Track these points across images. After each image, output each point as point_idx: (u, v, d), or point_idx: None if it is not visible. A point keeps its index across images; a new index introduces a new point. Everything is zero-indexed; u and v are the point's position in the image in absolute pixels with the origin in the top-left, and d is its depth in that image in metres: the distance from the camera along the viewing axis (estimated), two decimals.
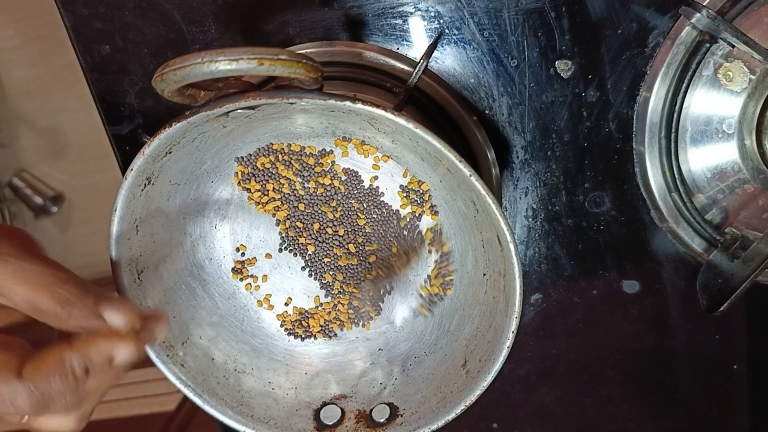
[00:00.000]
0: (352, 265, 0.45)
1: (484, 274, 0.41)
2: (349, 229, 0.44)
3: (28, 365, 0.32)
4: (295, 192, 0.44)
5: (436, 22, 0.45)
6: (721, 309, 0.42)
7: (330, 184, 0.44)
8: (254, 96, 0.33)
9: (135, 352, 0.35)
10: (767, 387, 0.54)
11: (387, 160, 0.43)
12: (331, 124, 0.42)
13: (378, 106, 0.33)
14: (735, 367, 0.53)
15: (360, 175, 0.44)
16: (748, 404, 0.54)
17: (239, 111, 0.35)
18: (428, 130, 0.34)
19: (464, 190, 0.38)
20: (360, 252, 0.45)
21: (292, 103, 0.34)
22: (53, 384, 0.32)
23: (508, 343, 0.37)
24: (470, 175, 0.34)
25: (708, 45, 0.42)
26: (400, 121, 0.33)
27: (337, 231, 0.45)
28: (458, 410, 0.39)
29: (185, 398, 0.42)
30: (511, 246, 0.35)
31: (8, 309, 0.33)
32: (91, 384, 0.33)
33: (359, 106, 0.33)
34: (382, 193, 0.44)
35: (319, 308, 0.46)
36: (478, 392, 0.38)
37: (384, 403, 0.43)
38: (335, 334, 0.46)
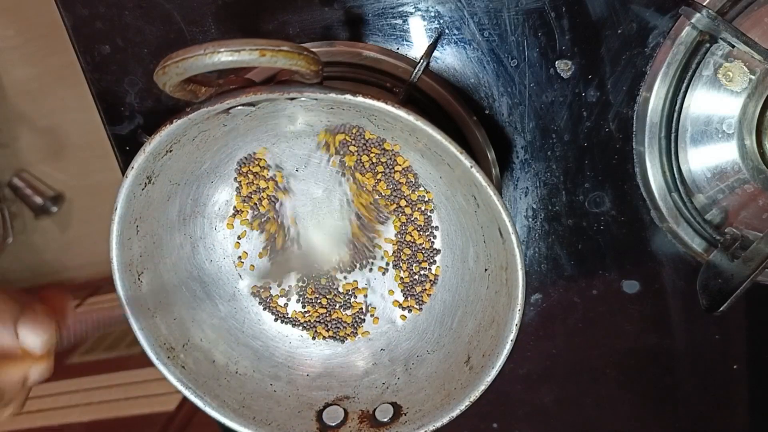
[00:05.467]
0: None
1: (486, 270, 0.41)
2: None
3: None
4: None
5: (436, 22, 0.45)
6: (721, 309, 0.42)
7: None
8: (255, 91, 0.33)
9: (49, 372, 0.33)
10: (767, 387, 0.54)
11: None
12: (330, 121, 0.42)
13: (378, 99, 0.33)
14: (735, 367, 0.53)
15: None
16: (748, 404, 0.54)
17: (240, 108, 0.35)
18: (428, 122, 0.34)
19: (464, 184, 0.38)
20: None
21: (292, 98, 0.34)
22: None
23: (512, 336, 0.37)
24: (471, 167, 0.34)
25: (708, 45, 0.42)
26: (400, 113, 0.33)
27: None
28: (462, 407, 0.39)
29: (185, 398, 0.42)
30: (513, 237, 0.35)
31: None
32: (5, 400, 0.32)
33: (360, 99, 0.33)
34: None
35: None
36: (482, 388, 0.38)
37: (387, 403, 0.43)
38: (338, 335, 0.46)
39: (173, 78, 0.31)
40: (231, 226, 0.46)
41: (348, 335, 0.46)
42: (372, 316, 0.46)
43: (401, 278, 0.45)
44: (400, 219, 0.44)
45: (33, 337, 0.33)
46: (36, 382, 0.33)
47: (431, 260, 0.45)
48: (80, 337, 0.36)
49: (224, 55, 0.30)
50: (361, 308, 0.46)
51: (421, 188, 0.43)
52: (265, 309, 0.47)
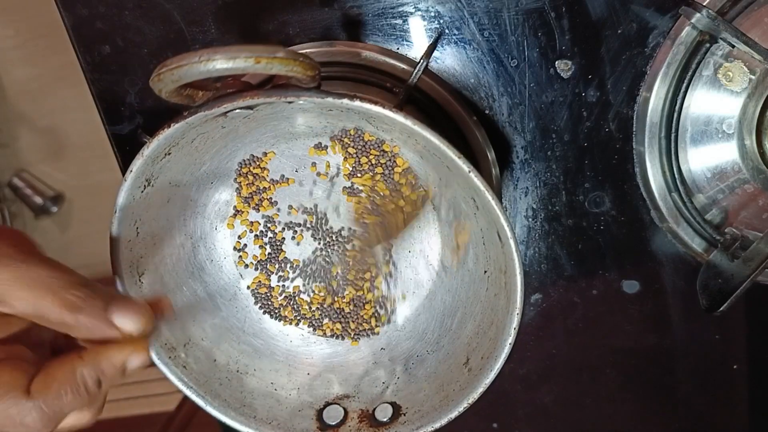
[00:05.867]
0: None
1: (485, 272, 0.41)
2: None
3: (37, 382, 0.31)
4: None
5: (436, 22, 0.45)
6: (721, 309, 0.42)
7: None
8: (252, 95, 0.33)
9: (148, 358, 0.34)
10: (767, 387, 0.54)
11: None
12: (330, 123, 0.42)
13: (376, 103, 0.33)
14: (735, 367, 0.53)
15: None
16: (748, 404, 0.54)
17: (237, 111, 0.35)
18: (426, 127, 0.34)
19: (463, 186, 0.38)
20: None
21: (290, 102, 0.34)
22: (64, 399, 0.31)
23: (510, 339, 0.37)
24: (469, 172, 0.34)
25: (708, 45, 0.42)
26: (398, 117, 0.33)
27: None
28: (461, 408, 0.39)
29: (185, 398, 0.42)
30: (512, 242, 0.35)
31: (8, 317, 0.31)
32: (103, 390, 0.33)
33: (357, 103, 0.33)
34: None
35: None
36: (480, 390, 0.38)
37: (387, 403, 0.43)
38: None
39: (169, 85, 0.31)
40: (231, 226, 0.46)
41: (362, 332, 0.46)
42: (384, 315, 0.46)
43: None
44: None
45: (128, 320, 0.32)
46: (135, 369, 0.33)
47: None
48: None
49: (219, 63, 0.30)
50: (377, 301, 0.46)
51: (421, 189, 0.43)
52: (264, 312, 0.47)
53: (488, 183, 0.35)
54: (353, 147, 0.43)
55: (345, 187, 0.44)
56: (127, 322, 0.33)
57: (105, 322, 0.32)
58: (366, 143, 0.42)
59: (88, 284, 0.32)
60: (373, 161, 0.43)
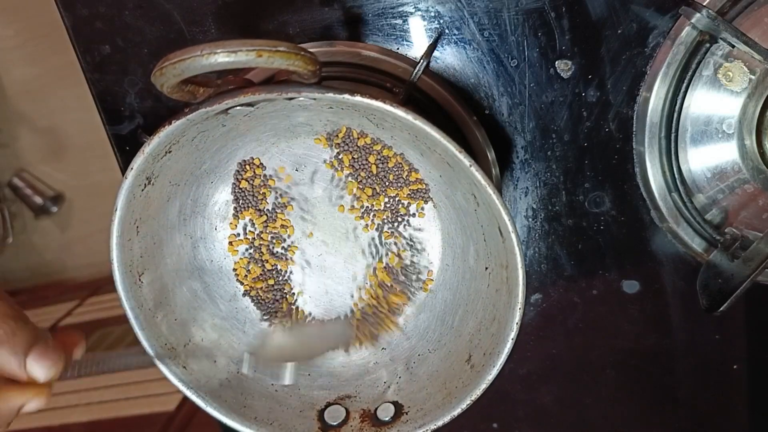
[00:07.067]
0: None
1: (486, 268, 0.41)
2: None
3: None
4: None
5: (436, 22, 0.45)
6: (721, 309, 0.42)
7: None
8: (253, 91, 0.33)
9: (45, 404, 0.33)
10: (767, 387, 0.54)
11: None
12: (330, 121, 0.42)
13: (377, 98, 0.33)
14: (735, 367, 0.53)
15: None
16: (748, 404, 0.54)
17: (238, 108, 0.35)
18: (427, 122, 0.34)
19: (464, 183, 0.38)
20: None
21: (291, 98, 0.34)
22: None
23: (513, 335, 0.37)
24: (470, 166, 0.34)
25: (708, 45, 0.42)
26: (399, 112, 0.33)
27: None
28: (464, 405, 0.39)
29: (185, 398, 0.42)
30: (513, 236, 0.35)
31: None
32: None
33: (358, 98, 0.33)
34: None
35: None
36: (483, 386, 0.38)
37: (388, 402, 0.43)
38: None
39: (171, 79, 0.31)
40: (234, 226, 0.46)
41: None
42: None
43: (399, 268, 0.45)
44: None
45: (40, 368, 0.32)
46: (31, 411, 0.33)
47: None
48: (84, 376, 0.35)
49: (221, 56, 0.30)
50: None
51: (404, 295, 0.44)
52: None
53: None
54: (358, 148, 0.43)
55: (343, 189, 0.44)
56: (39, 370, 0.32)
57: (18, 364, 0.32)
58: (364, 145, 0.42)
59: (18, 318, 0.32)
60: (373, 159, 0.43)
